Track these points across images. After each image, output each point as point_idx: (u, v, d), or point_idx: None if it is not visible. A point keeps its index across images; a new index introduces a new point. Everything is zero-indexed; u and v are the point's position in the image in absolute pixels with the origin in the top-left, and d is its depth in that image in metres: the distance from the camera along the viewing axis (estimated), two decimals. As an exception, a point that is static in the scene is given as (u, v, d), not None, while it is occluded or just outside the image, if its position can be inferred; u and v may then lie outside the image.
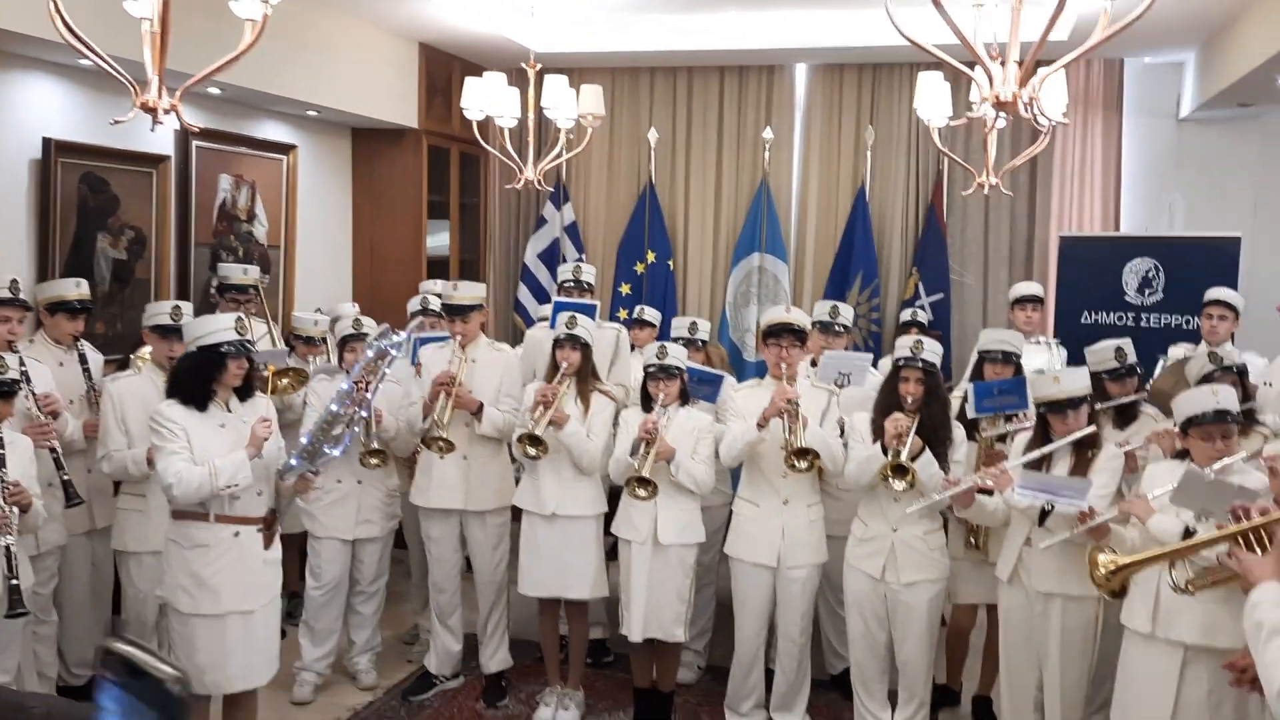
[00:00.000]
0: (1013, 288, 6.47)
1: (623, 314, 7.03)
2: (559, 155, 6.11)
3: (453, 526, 4.88)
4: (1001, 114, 5.61)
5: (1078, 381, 3.92)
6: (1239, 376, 4.27)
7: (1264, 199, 6.94)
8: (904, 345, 4.25)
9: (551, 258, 7.70)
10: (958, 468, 4.17)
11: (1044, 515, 3.84)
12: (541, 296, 7.46)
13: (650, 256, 7.58)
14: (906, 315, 6.54)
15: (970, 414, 4.53)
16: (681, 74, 7.72)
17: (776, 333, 4.40)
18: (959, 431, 4.28)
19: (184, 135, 5.57)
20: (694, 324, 5.27)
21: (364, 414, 4.13)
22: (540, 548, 4.60)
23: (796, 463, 4.15)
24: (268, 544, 3.80)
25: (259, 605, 3.77)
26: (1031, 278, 7.10)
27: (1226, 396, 3.59)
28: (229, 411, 3.77)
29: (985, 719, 4.69)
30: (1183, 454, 3.73)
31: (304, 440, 3.80)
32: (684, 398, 4.51)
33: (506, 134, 6.07)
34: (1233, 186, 7.07)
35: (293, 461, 3.75)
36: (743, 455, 4.36)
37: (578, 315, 4.63)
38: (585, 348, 4.60)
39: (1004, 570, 4.05)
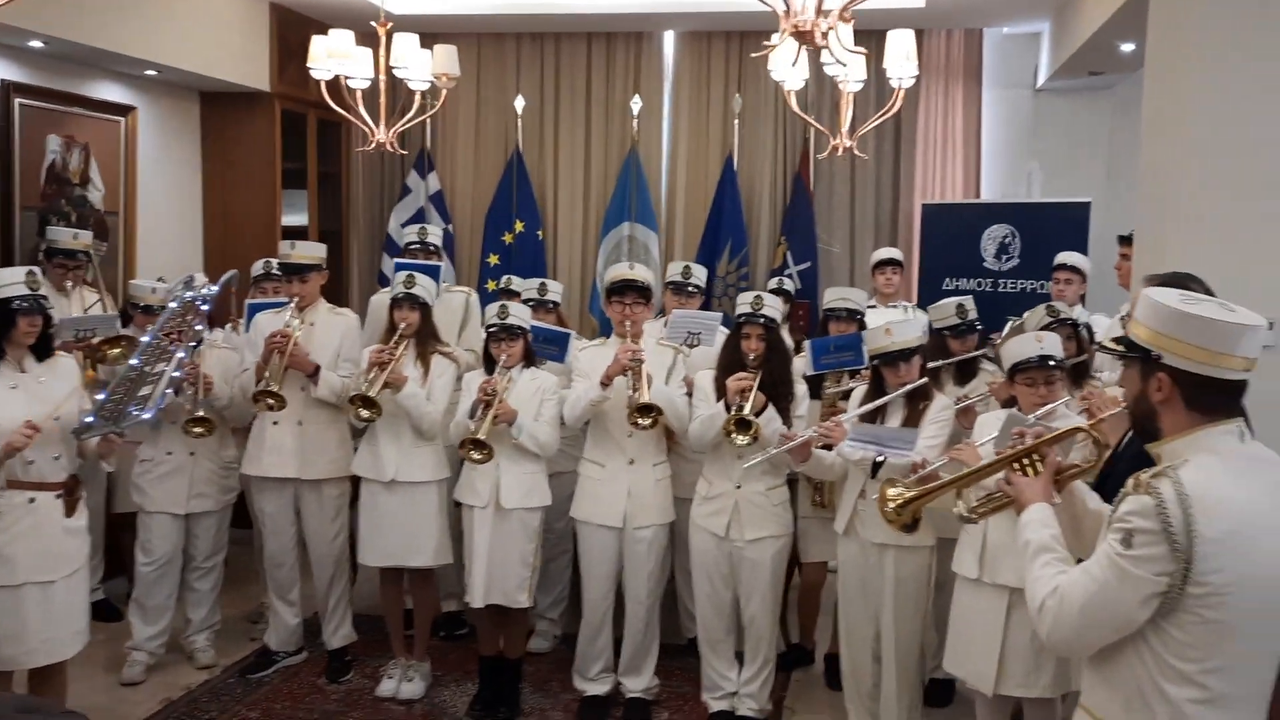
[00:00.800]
0: (874, 253, 6.51)
1: (491, 285, 6.90)
2: (414, 118, 5.94)
3: (287, 497, 4.70)
4: (855, 80, 5.68)
5: (909, 333, 3.93)
6: (1074, 330, 4.33)
7: (1115, 166, 7.10)
8: (744, 301, 4.21)
9: (416, 228, 7.50)
10: (799, 423, 4.15)
11: (876, 467, 3.83)
12: (429, 274, 7.26)
13: (518, 226, 7.44)
14: (774, 284, 6.52)
15: (808, 371, 4.52)
16: (549, 40, 7.58)
17: (620, 290, 4.33)
18: (800, 387, 4.26)
19: (4, 91, 5.25)
20: (543, 285, 5.16)
21: (176, 374, 3.92)
22: (380, 516, 4.46)
23: (639, 420, 4.08)
24: (69, 511, 3.58)
25: (60, 576, 3.55)
26: (896, 245, 7.16)
27: (1050, 343, 3.63)
28: (22, 372, 3.54)
29: (837, 676, 4.69)
30: (1011, 402, 3.77)
31: (101, 398, 3.58)
32: (528, 359, 4.40)
33: (359, 96, 5.87)
34: (1087, 154, 7.22)
35: (89, 419, 3.52)
36: (586, 415, 4.28)
37: (416, 275, 4.49)
38: (424, 308, 4.47)
39: (840, 523, 4.04)
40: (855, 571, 4.01)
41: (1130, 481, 1.90)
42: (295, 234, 7.12)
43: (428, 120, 7.42)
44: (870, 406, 3.94)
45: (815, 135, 7.05)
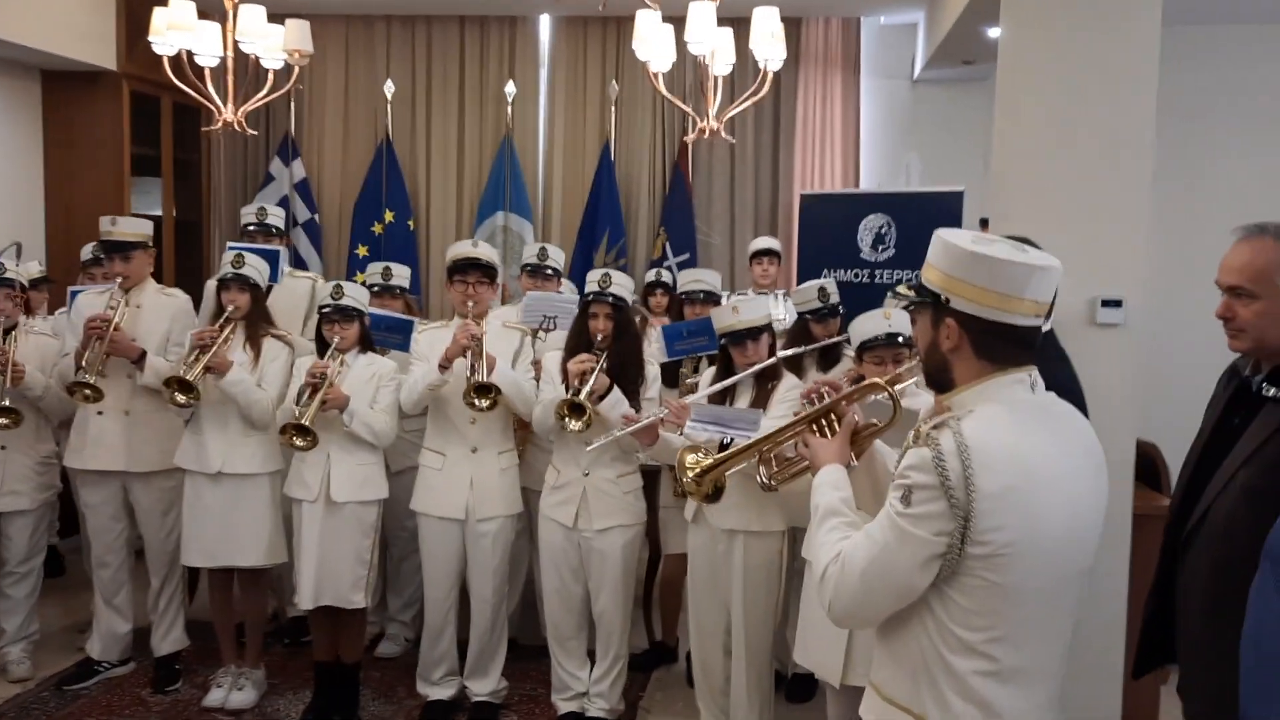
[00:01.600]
0: (751, 242, 6.39)
1: (360, 278, 6.60)
2: (265, 97, 5.65)
3: (113, 491, 4.37)
4: (724, 62, 5.54)
5: (756, 311, 3.77)
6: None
7: (991, 156, 7.07)
8: (592, 280, 4.02)
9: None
10: (650, 406, 3.96)
11: (724, 449, 3.66)
12: (267, 259, 6.92)
13: (388, 216, 7.16)
14: (653, 275, 6.35)
15: (661, 358, 4.34)
16: (420, 23, 7.33)
17: (462, 269, 4.10)
18: (652, 369, 4.08)
19: None
20: (387, 269, 4.90)
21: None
22: (206, 511, 4.15)
23: (476, 401, 3.85)
24: None
25: None
26: (775, 236, 7.05)
27: (899, 320, 3.50)
28: None
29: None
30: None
31: None
32: (365, 344, 4.15)
33: (208, 75, 5.57)
34: (964, 145, 7.19)
35: None
36: (425, 399, 4.04)
37: (247, 255, 4.20)
38: (255, 289, 4.18)
39: (689, 509, 3.86)
40: (704, 560, 3.83)
41: (911, 434, 1.75)
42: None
43: (291, 104, 7.18)
44: (718, 387, 3.78)
45: (694, 124, 6.91)
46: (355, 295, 4.08)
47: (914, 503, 1.72)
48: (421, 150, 7.37)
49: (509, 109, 7.14)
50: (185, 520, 4.19)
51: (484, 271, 4.08)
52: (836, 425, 2.08)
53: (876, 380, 2.05)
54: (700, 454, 2.26)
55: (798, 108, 7.19)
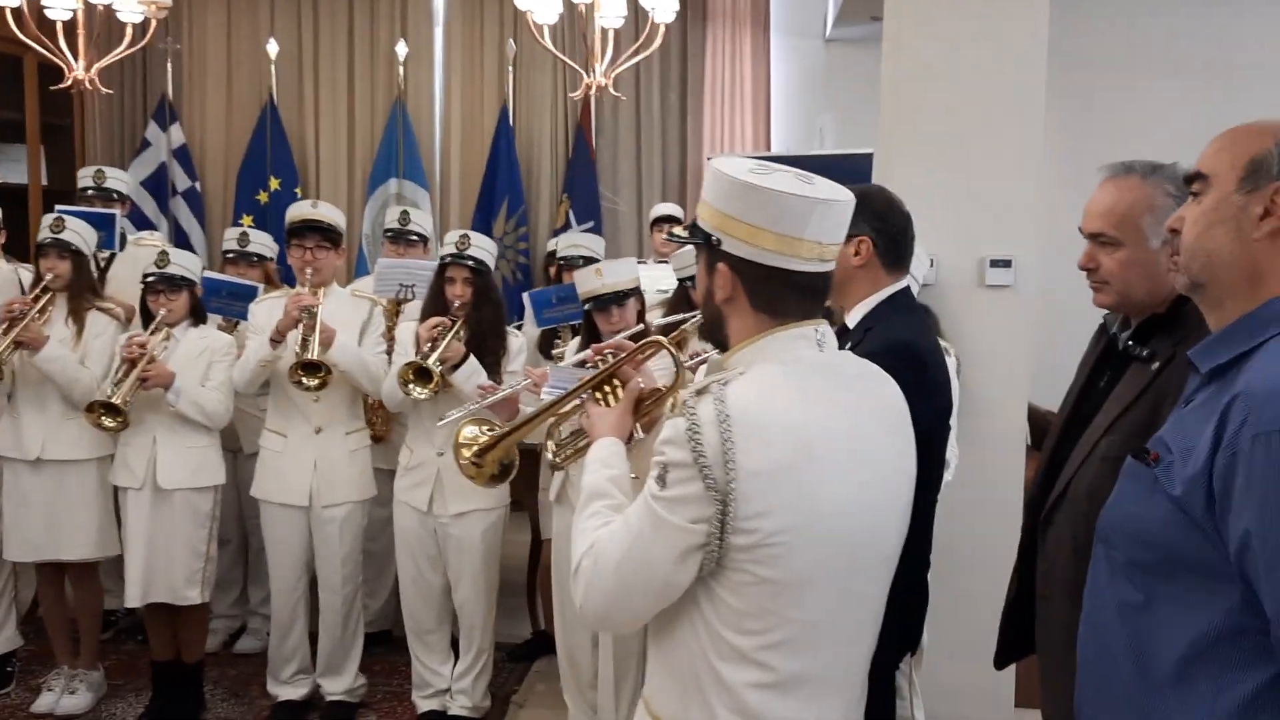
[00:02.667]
0: (653, 209, 6.09)
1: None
2: (124, 52, 5.24)
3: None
4: (614, 15, 5.21)
5: (621, 274, 3.48)
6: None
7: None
8: (450, 242, 3.69)
9: (159, 186, 6.75)
10: (512, 378, 3.65)
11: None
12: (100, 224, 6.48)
13: (274, 184, 6.74)
14: (554, 244, 6.03)
15: (530, 328, 4.03)
16: (305, -22, 6.90)
17: (299, 232, 3.74)
18: (516, 340, 3.76)
19: None
20: (244, 234, 4.52)
21: None
22: (26, 501, 3.78)
23: (304, 379, 3.51)
24: None
25: None
26: (685, 202, 6.74)
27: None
28: None
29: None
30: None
31: None
32: (198, 316, 3.79)
33: (60, 29, 5.15)
34: (876, 105, 6.90)
35: None
36: (259, 376, 3.68)
37: (69, 218, 3.81)
38: (78, 256, 3.80)
39: (553, 490, 3.56)
40: (569, 543, 3.52)
41: (669, 401, 1.45)
42: (11, 194, 6.30)
43: (169, 65, 6.74)
44: (579, 356, 3.47)
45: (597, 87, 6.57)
46: (183, 263, 3.72)
47: (669, 484, 1.42)
48: (309, 114, 6.95)
49: (401, 70, 6.76)
50: (4, 511, 3.82)
51: (325, 235, 3.73)
52: (620, 392, 1.77)
53: (659, 339, 1.75)
54: (482, 428, 1.94)
55: (705, 67, 6.86)
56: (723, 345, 1.58)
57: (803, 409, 1.44)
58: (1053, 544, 2.15)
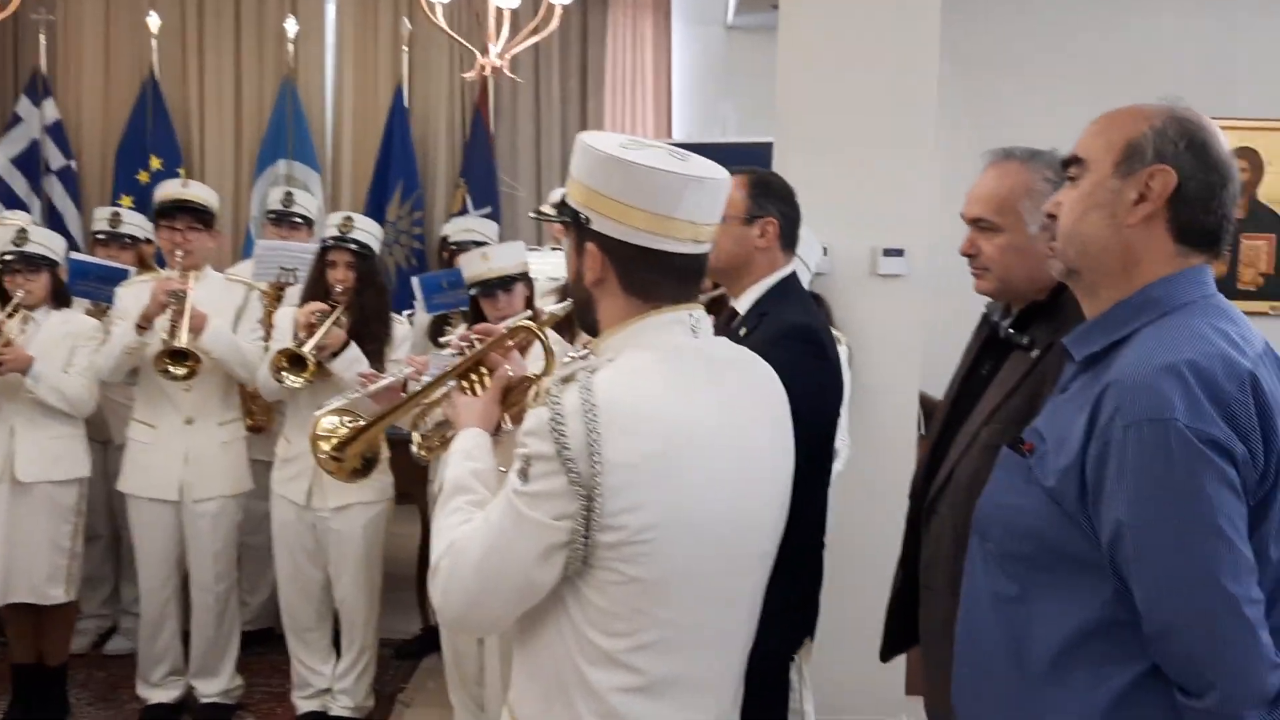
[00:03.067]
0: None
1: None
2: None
3: None
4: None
5: (509, 258, 3.37)
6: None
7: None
8: (332, 223, 3.55)
9: (30, 164, 6.41)
10: (396, 367, 3.52)
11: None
12: (15, 207, 6.17)
13: (155, 163, 6.45)
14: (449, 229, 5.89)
15: (421, 314, 3.91)
16: (188, -53, 6.61)
17: (169, 212, 3.56)
18: (402, 327, 3.64)
19: None
20: (116, 214, 4.28)
21: None
22: None
23: (170, 368, 3.34)
24: None
25: None
26: (584, 189, 6.64)
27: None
28: None
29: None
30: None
31: None
32: (61, 299, 3.57)
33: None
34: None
35: None
36: (125, 364, 3.48)
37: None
38: (-75, 236, 3.55)
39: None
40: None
41: (531, 390, 1.37)
42: None
43: (42, 37, 6.40)
44: (462, 332, 3.36)
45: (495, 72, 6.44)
46: (44, 241, 3.51)
47: (532, 477, 1.34)
48: (194, 91, 6.67)
49: (291, 48, 6.52)
50: None
51: (197, 215, 3.55)
52: (489, 380, 1.68)
53: (527, 323, 1.66)
54: (342, 419, 1.83)
55: (606, 52, 6.77)
56: (593, 330, 1.50)
57: (675, 398, 1.37)
58: (935, 533, 2.13)
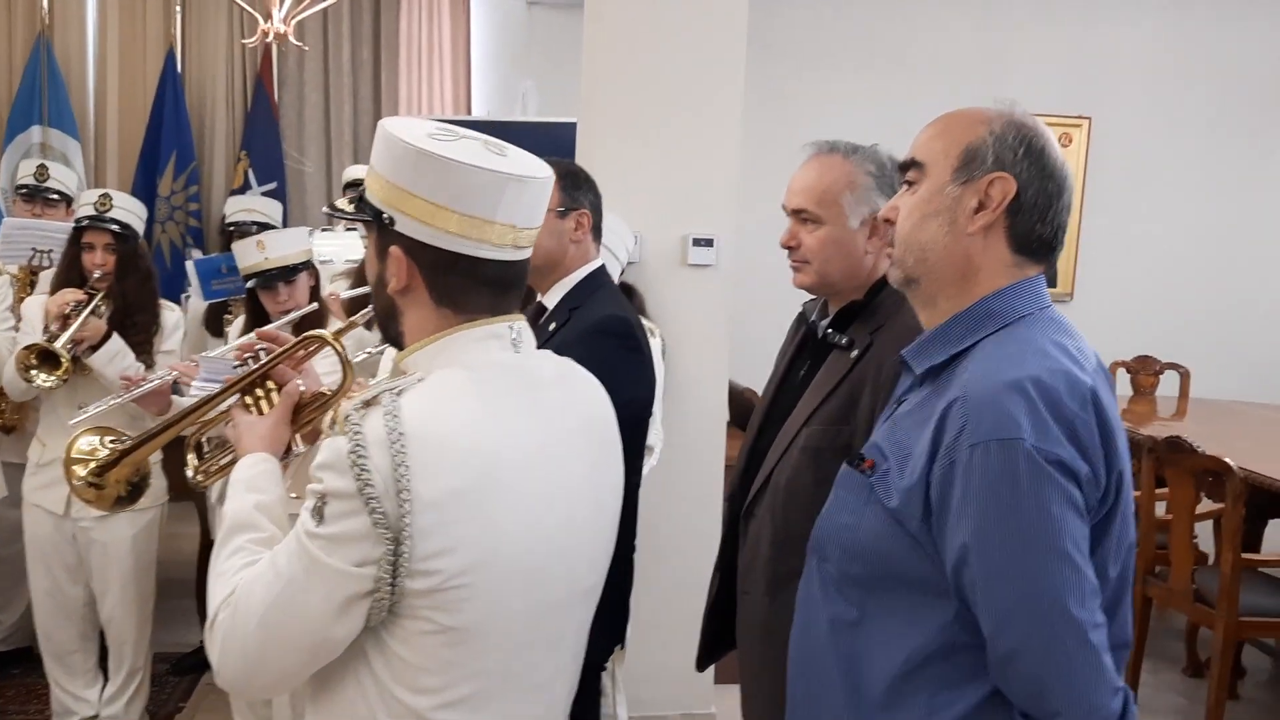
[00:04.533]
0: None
1: None
2: None
3: None
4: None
5: (287, 247, 3.11)
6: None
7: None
8: (88, 201, 3.18)
9: None
10: (168, 359, 3.20)
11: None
12: None
13: (-122, 126, 5.71)
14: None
15: (197, 300, 3.58)
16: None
17: (-106, 184, 3.09)
18: (171, 314, 3.31)
19: None
20: None
21: None
22: None
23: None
24: None
25: None
26: (377, 165, 6.32)
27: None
28: None
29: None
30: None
31: None
32: None
33: None
34: (580, 74, 6.77)
35: None
36: None
37: None
38: None
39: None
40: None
41: (329, 417, 1.19)
42: None
43: None
44: (240, 342, 3.08)
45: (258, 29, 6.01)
46: None
47: (328, 518, 1.16)
48: (-73, 45, 5.93)
49: (45, 2, 5.88)
50: None
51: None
52: (276, 398, 1.48)
53: (320, 333, 1.47)
54: (103, 439, 1.58)
55: (400, 23, 6.45)
56: (397, 342, 1.33)
57: (490, 424, 1.22)
58: (753, 537, 2.07)
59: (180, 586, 4.15)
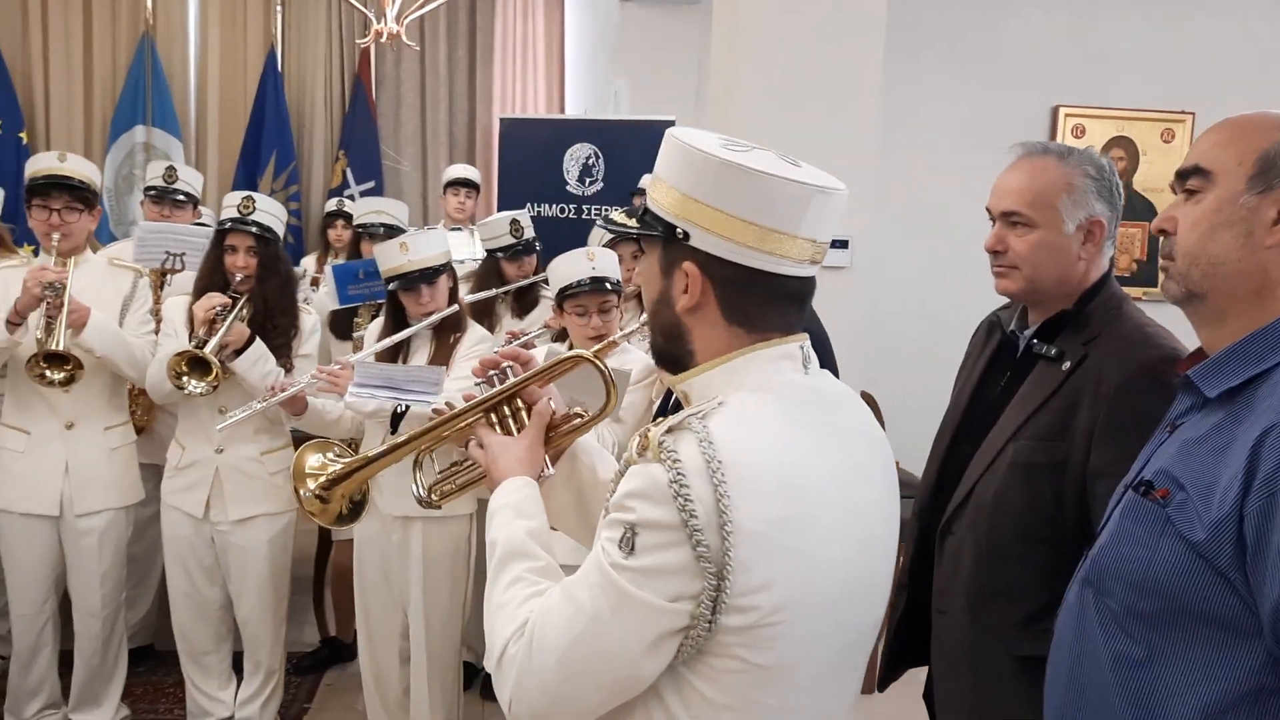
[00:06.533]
0: (445, 171, 5.64)
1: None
2: None
3: None
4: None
5: (429, 249, 3.09)
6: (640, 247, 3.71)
7: (704, 84, 6.65)
8: (230, 204, 3.18)
9: None
10: (305, 364, 3.20)
11: (397, 419, 2.97)
12: None
13: (-7, 126, 5.81)
14: (333, 205, 5.49)
15: (334, 304, 3.58)
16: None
17: (43, 190, 3.11)
18: (310, 318, 3.30)
19: None
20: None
21: None
22: None
23: (46, 372, 2.93)
24: None
25: None
26: (474, 164, 6.32)
27: (605, 261, 2.93)
28: None
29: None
30: (564, 335, 3.05)
31: None
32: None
33: None
34: (675, 71, 6.71)
35: None
36: (-9, 365, 3.05)
37: None
38: None
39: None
40: (374, 553, 3.15)
41: (636, 439, 1.14)
42: None
43: None
44: (388, 342, 3.09)
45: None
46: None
47: (640, 550, 1.10)
48: (36, 46, 6.02)
49: (149, 2, 5.95)
50: None
51: (75, 194, 3.11)
52: (525, 416, 1.43)
53: (580, 352, 1.41)
54: (329, 454, 1.55)
55: (496, 21, 6.45)
56: (677, 363, 1.27)
57: (800, 449, 1.16)
58: (952, 554, 2.00)
59: (296, 585, 4.16)
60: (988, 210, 1.99)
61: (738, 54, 3.57)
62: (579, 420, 1.41)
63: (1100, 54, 6.31)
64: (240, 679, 3.39)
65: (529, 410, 1.42)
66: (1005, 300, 2.12)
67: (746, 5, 3.51)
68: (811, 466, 1.16)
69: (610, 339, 1.49)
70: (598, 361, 1.38)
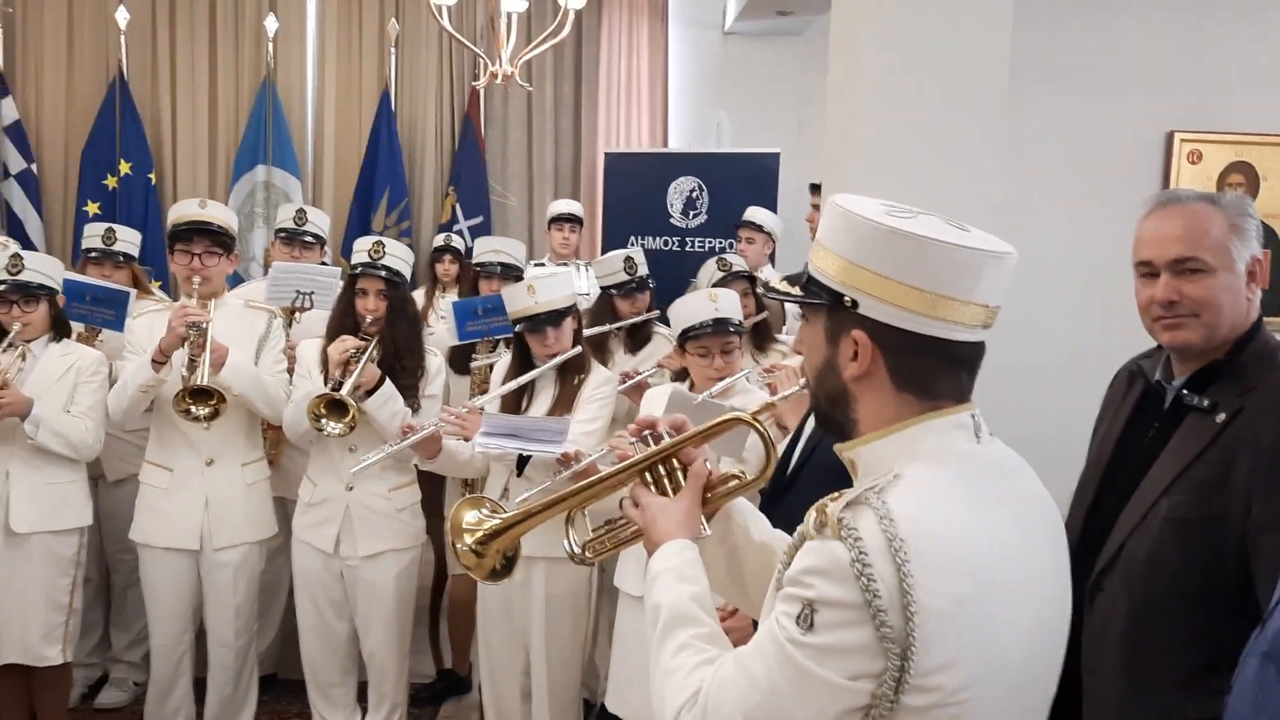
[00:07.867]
0: (550, 206, 5.72)
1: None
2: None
3: None
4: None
5: (556, 291, 3.13)
6: (751, 285, 3.71)
7: (807, 115, 6.65)
8: (361, 249, 3.27)
9: (-13, 167, 5.99)
10: (431, 404, 3.27)
11: (523, 461, 3.02)
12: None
13: (124, 167, 6.06)
14: (441, 240, 5.59)
15: (452, 340, 3.65)
16: (158, -61, 6.23)
17: (185, 235, 3.26)
18: (435, 360, 3.37)
19: None
20: (110, 230, 3.91)
21: None
22: None
23: (192, 408, 3.04)
24: None
25: None
26: (579, 198, 6.40)
27: (727, 303, 2.94)
28: None
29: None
30: (683, 375, 3.06)
31: None
32: (60, 329, 3.25)
33: None
34: (778, 103, 6.72)
35: None
36: (141, 404, 3.18)
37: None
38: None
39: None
40: (497, 591, 3.18)
41: (812, 514, 1.14)
42: None
43: (-1, 30, 5.98)
44: (512, 385, 3.13)
45: (485, 68, 6.17)
46: (41, 268, 3.18)
47: (819, 627, 1.10)
48: (165, 90, 6.28)
49: (270, 46, 6.17)
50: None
51: (214, 239, 3.25)
52: (680, 477, 1.44)
53: (739, 414, 1.41)
54: (483, 510, 1.58)
55: (601, 57, 6.53)
56: (841, 431, 1.27)
57: (981, 523, 1.15)
58: (1102, 612, 1.94)
59: (415, 616, 4.24)
60: (1143, 264, 1.93)
61: (851, 85, 3.53)
62: (735, 483, 1.41)
63: (1216, 76, 6.12)
64: (364, 711, 3.46)
65: (684, 470, 1.43)
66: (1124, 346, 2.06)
67: (864, 36, 3.47)
68: (992, 540, 1.14)
69: (771, 402, 1.50)
70: (757, 424, 1.39)
